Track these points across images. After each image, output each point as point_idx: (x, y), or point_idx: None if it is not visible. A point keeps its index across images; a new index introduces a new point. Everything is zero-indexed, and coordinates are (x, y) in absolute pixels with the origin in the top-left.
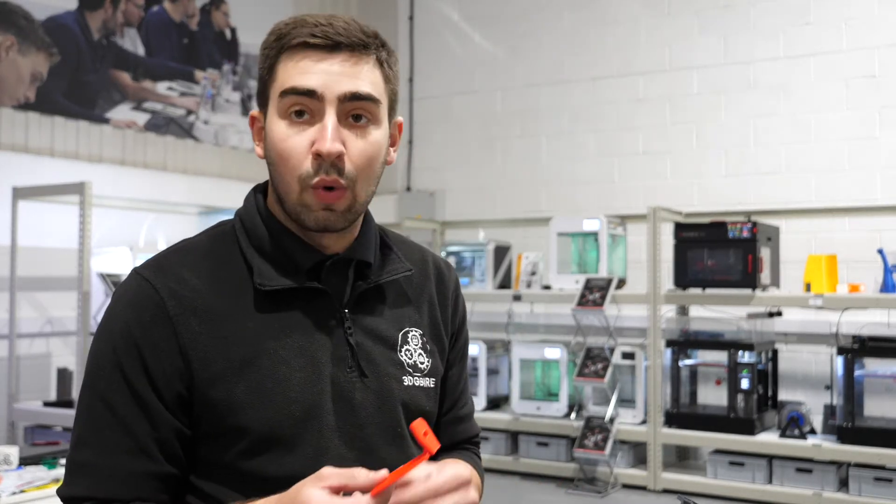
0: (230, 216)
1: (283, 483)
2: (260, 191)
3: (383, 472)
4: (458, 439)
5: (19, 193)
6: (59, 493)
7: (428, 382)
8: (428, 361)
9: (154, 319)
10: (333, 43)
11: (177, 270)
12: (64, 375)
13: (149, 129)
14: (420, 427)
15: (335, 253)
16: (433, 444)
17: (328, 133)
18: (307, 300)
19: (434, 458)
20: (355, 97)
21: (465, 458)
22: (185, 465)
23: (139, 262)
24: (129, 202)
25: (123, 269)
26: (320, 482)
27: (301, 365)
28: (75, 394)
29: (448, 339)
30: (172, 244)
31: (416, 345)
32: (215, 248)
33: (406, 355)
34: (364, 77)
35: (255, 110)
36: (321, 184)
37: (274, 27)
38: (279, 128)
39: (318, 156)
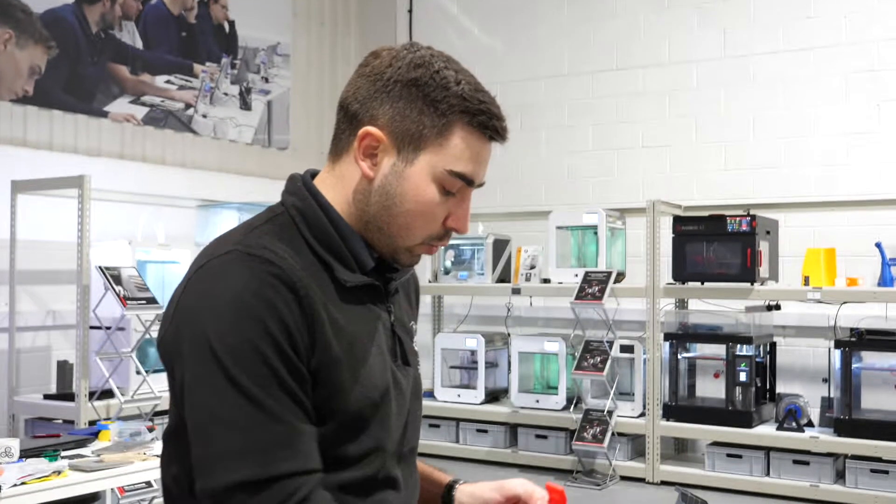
0: (230, 210)
1: (359, 459)
2: (309, 180)
3: None
4: None
5: (18, 187)
6: (237, 479)
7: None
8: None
9: (291, 299)
10: (501, 138)
11: (282, 254)
12: (64, 368)
13: (147, 122)
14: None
15: (378, 256)
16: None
17: (468, 216)
18: (369, 295)
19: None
20: (480, 185)
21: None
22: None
23: (139, 255)
24: (127, 196)
25: (122, 262)
26: None
27: (375, 353)
28: (75, 386)
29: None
30: (244, 226)
31: (415, 337)
32: (286, 236)
33: (416, 345)
34: (489, 163)
35: (376, 131)
36: (439, 245)
37: (447, 70)
38: (432, 192)
39: (453, 230)
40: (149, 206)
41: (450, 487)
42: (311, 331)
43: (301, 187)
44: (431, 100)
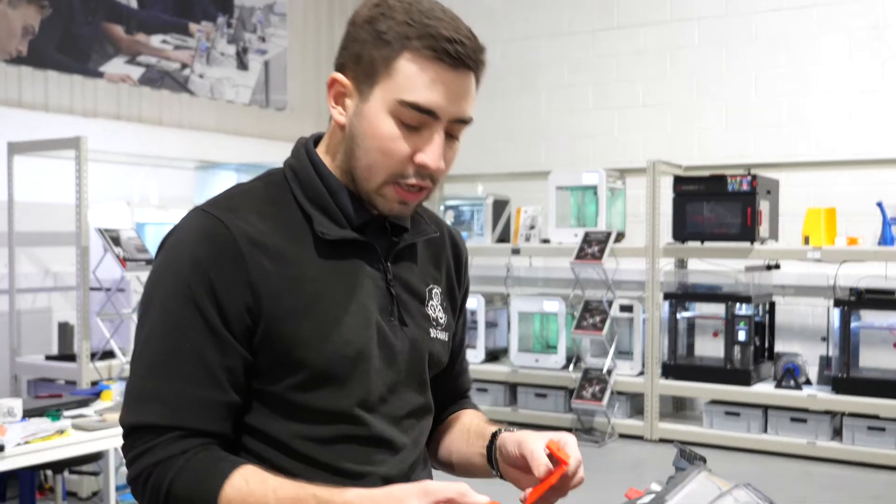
0: (228, 171)
1: (328, 416)
2: (312, 144)
3: (485, 499)
4: (460, 390)
5: (15, 148)
6: (125, 420)
7: (445, 336)
8: (445, 317)
9: (226, 256)
10: (462, 63)
11: (245, 213)
12: (65, 330)
13: (143, 83)
14: (553, 445)
15: (380, 214)
16: (566, 456)
17: (437, 151)
18: (358, 252)
19: (439, 411)
20: (461, 121)
21: (472, 406)
22: (246, 395)
23: (137, 217)
24: (125, 157)
25: (121, 223)
26: (426, 497)
27: (354, 310)
28: (76, 347)
29: (459, 301)
30: (229, 188)
31: (438, 301)
32: (272, 194)
33: (431, 310)
34: (470, 99)
35: (339, 76)
36: (415, 187)
37: (401, 4)
38: (387, 125)
39: (422, 167)
40: (146, 167)
41: (493, 436)
42: (255, 287)
43: (300, 148)
44: (379, 32)
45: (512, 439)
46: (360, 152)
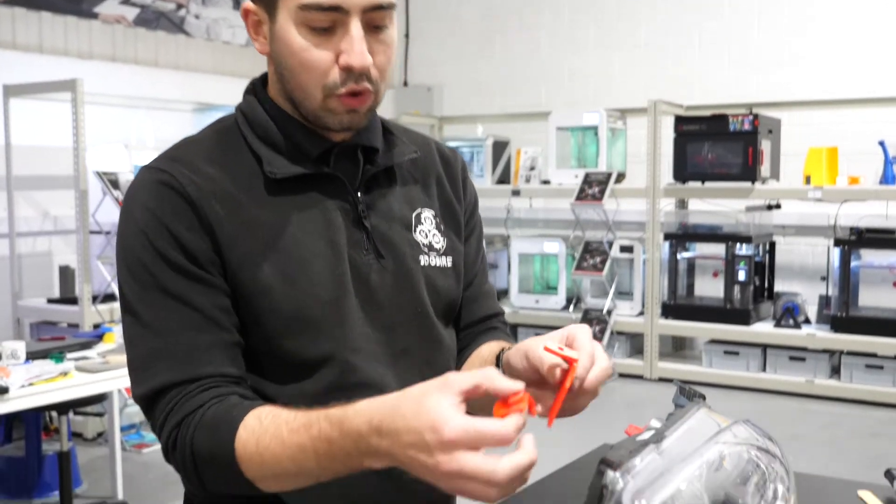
0: (225, 112)
1: (310, 367)
2: (259, 82)
3: (520, 384)
4: (483, 314)
5: (10, 91)
6: (138, 393)
7: (445, 262)
8: (443, 241)
9: (178, 204)
10: None
11: (190, 160)
12: (66, 273)
13: (138, 24)
14: (553, 345)
15: (342, 140)
16: (573, 353)
17: (357, 47)
18: (319, 186)
19: (466, 343)
20: (378, 7)
21: (501, 337)
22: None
23: (135, 160)
24: (121, 99)
25: (120, 166)
26: (448, 389)
27: (321, 248)
28: (78, 290)
29: (463, 218)
30: (179, 141)
31: (430, 225)
32: (222, 140)
33: (421, 235)
34: None
35: (249, 3)
36: (350, 92)
37: None
38: (296, 38)
39: (347, 68)
40: (143, 109)
41: (499, 358)
42: (211, 232)
43: (249, 87)
44: None
45: (517, 353)
46: (288, 74)
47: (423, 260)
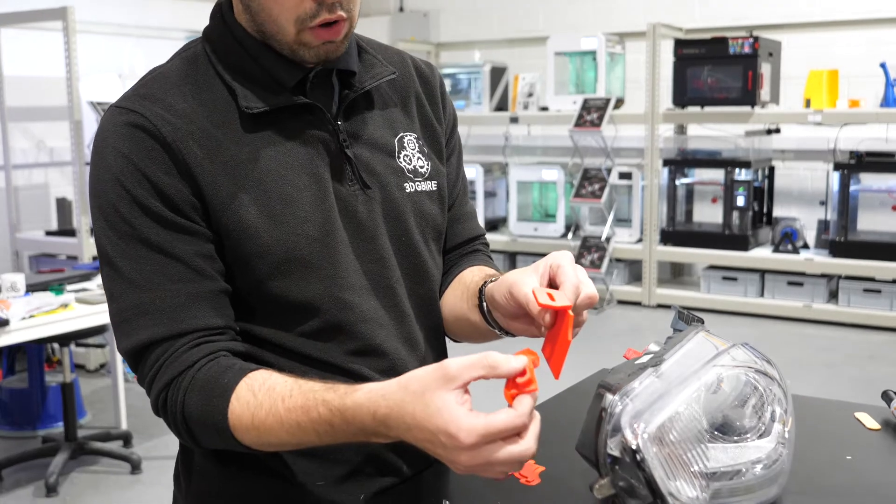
0: None
1: (305, 306)
2: (226, 4)
3: (522, 360)
4: (466, 237)
5: (1, 20)
6: (123, 347)
7: (430, 186)
8: (427, 165)
9: (153, 148)
10: None
11: (161, 97)
12: (63, 205)
13: None
14: (540, 293)
15: (317, 66)
16: (564, 300)
17: None
18: (298, 117)
19: (447, 268)
20: None
21: (483, 261)
22: (231, 282)
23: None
24: (113, 27)
25: (114, 96)
26: (450, 383)
27: (306, 183)
28: (76, 223)
29: (444, 138)
30: (145, 74)
31: (413, 149)
32: (191, 72)
33: (405, 161)
34: None
35: None
36: (324, 22)
37: None
38: None
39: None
40: (135, 38)
41: (482, 291)
42: (190, 175)
43: (215, 12)
44: None
45: (500, 289)
46: (256, 6)
47: (409, 187)
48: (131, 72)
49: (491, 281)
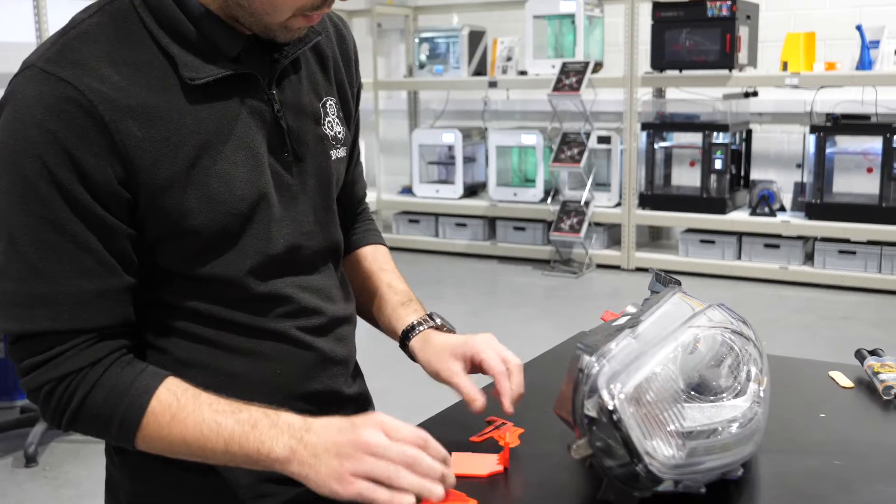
0: None
1: (240, 280)
2: None
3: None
4: (357, 198)
5: None
6: (8, 329)
7: (344, 153)
8: (343, 131)
9: (86, 126)
10: None
11: (94, 65)
12: None
13: None
14: (462, 462)
15: (252, 33)
16: (489, 466)
17: None
18: (234, 87)
19: (347, 234)
20: None
21: (375, 238)
22: (139, 271)
23: None
24: None
25: None
26: (384, 435)
27: (243, 159)
28: None
29: (353, 101)
30: (63, 28)
31: (334, 115)
32: (120, 33)
33: (328, 128)
34: None
35: None
36: (319, 13)
37: None
38: None
39: None
40: None
41: (407, 333)
42: (126, 158)
43: None
44: None
45: (430, 366)
46: None
47: (333, 154)
48: None
49: (413, 327)
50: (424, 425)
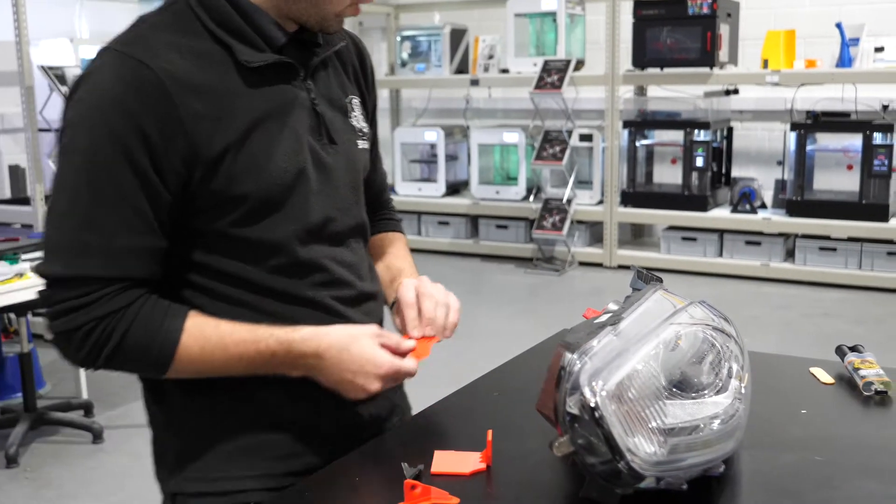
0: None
1: (273, 245)
2: None
3: (411, 343)
4: (381, 189)
5: None
6: (54, 271)
7: (366, 145)
8: (365, 126)
9: (157, 102)
10: None
11: (162, 50)
12: (17, 173)
13: None
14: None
15: (293, 30)
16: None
17: None
18: (281, 74)
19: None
20: None
21: (395, 227)
22: (192, 239)
23: (82, 54)
24: None
25: (65, 60)
26: (378, 338)
27: (286, 136)
28: (30, 191)
29: (371, 104)
30: (134, 23)
31: (358, 111)
32: (181, 26)
33: (355, 121)
34: None
35: None
36: (363, 2)
37: None
38: None
39: None
40: (88, 1)
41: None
42: (190, 133)
43: None
44: None
45: (400, 297)
46: None
47: (360, 144)
48: (84, 36)
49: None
50: (416, 418)
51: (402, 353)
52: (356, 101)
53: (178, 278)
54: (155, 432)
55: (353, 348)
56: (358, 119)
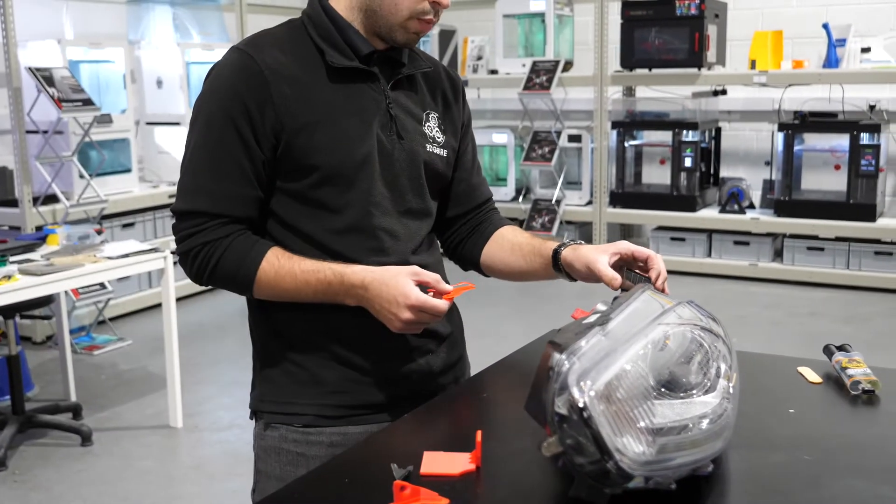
0: (162, 6)
1: (338, 210)
2: None
3: (448, 287)
4: (483, 197)
5: None
6: (179, 207)
7: (442, 152)
8: (443, 138)
9: (257, 83)
10: None
11: (268, 49)
12: (4, 174)
13: None
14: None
15: (382, 49)
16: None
17: None
18: (363, 80)
19: (470, 217)
20: None
21: (504, 221)
22: (272, 191)
23: (70, 56)
24: None
25: (53, 62)
26: (414, 276)
27: (357, 124)
28: (17, 192)
29: (460, 128)
30: (259, 31)
31: (434, 124)
32: (292, 35)
33: (428, 129)
34: None
35: None
36: (428, 20)
37: None
38: None
39: (436, 3)
40: (75, 2)
41: (557, 249)
42: (278, 108)
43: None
44: None
45: (578, 261)
46: None
47: (429, 147)
48: (72, 38)
49: (561, 246)
50: (405, 419)
51: (440, 293)
52: (434, 115)
53: (266, 228)
54: (253, 361)
55: (391, 282)
56: (431, 129)
